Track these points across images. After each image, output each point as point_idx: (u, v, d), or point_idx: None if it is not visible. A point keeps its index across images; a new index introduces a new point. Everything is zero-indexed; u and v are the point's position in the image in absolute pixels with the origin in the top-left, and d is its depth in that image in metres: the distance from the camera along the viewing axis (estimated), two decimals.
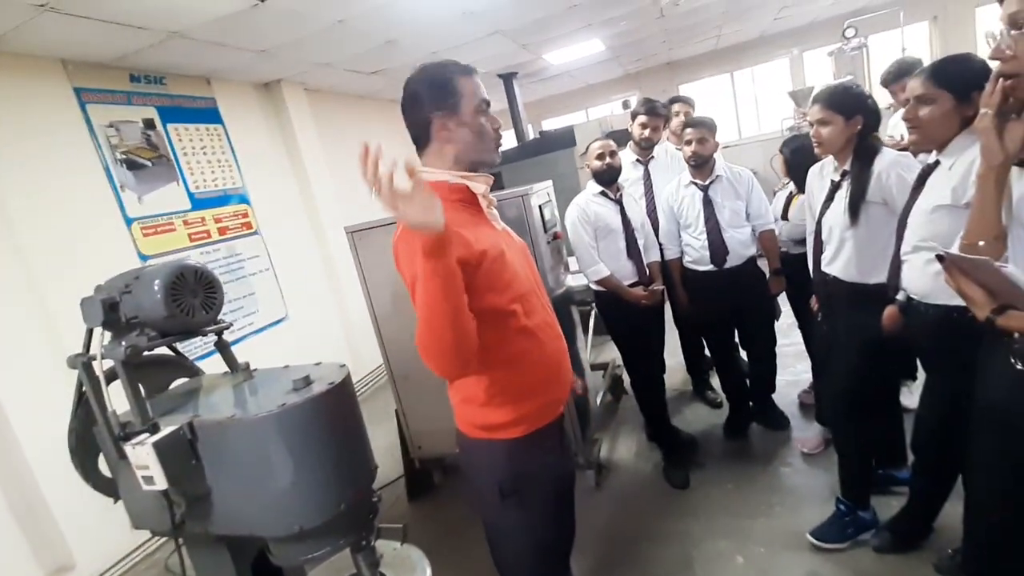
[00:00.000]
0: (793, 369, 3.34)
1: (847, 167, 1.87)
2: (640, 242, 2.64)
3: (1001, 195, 1.06)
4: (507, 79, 5.80)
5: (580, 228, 2.57)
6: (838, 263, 1.93)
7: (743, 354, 3.01)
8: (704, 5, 4.96)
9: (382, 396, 4.39)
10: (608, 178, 2.58)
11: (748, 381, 2.90)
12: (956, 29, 6.92)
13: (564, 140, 4.82)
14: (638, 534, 2.32)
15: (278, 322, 4.02)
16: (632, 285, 2.59)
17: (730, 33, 6.81)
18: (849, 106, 1.82)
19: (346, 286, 4.47)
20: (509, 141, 7.61)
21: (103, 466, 1.61)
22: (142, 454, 1.33)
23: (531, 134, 6.09)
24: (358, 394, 4.89)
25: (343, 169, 4.88)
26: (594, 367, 3.55)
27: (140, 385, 1.57)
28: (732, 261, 2.62)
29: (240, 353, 3.75)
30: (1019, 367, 1.06)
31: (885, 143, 1.92)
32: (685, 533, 2.26)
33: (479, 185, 1.24)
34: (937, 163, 1.51)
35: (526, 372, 1.24)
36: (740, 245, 2.61)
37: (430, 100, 1.20)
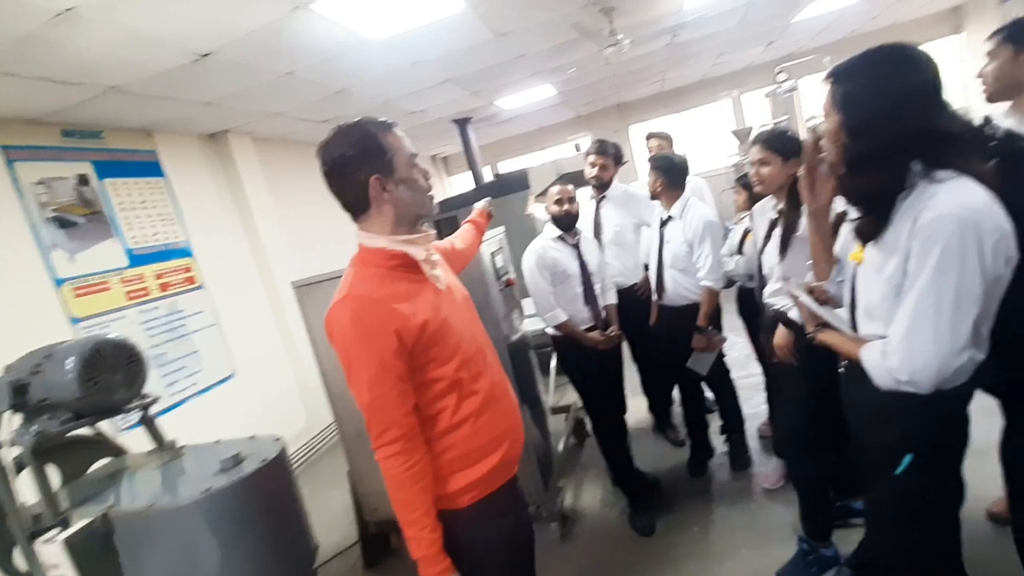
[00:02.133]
0: (751, 401, 3.37)
1: (783, 206, 1.95)
2: (597, 286, 2.62)
3: (821, 232, 1.34)
4: (461, 124, 5.90)
5: (537, 274, 2.55)
6: (776, 295, 2.01)
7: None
8: (647, 53, 5.21)
9: (338, 452, 4.19)
10: (566, 224, 2.55)
11: (720, 416, 2.93)
12: None
13: (518, 183, 4.89)
14: None
15: (224, 381, 3.82)
16: (589, 329, 2.58)
17: (674, 77, 7.17)
18: (788, 148, 1.91)
19: (299, 340, 4.30)
20: (466, 184, 7.70)
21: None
22: (52, 553, 1.20)
23: (488, 176, 6.18)
24: (314, 452, 4.62)
25: (294, 218, 4.79)
26: (555, 411, 3.50)
27: (57, 469, 1.44)
28: (670, 300, 2.68)
29: (182, 417, 3.54)
30: (840, 370, 1.35)
31: None
32: None
33: (419, 250, 1.19)
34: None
35: (473, 437, 1.20)
36: (677, 286, 2.65)
37: (363, 162, 1.14)
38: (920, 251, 0.99)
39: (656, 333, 2.83)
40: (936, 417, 1.12)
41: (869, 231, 1.12)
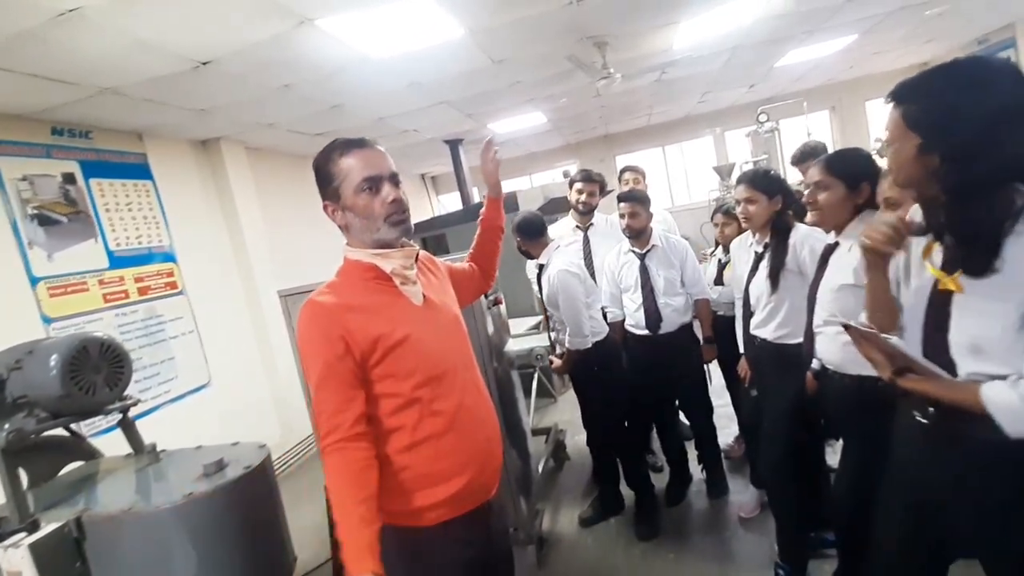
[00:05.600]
0: (728, 430, 3.42)
1: (768, 240, 2.03)
2: (554, 319, 2.71)
3: (881, 278, 1.17)
4: (453, 145, 5.99)
5: None
6: (764, 326, 2.07)
7: (684, 419, 3.06)
8: (636, 87, 5.39)
9: (313, 467, 4.10)
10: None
11: (696, 445, 2.94)
12: (850, 118, 7.90)
13: (507, 205, 4.93)
14: None
15: (199, 389, 3.73)
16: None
17: (660, 112, 7.42)
18: (771, 187, 2.00)
19: (277, 351, 4.24)
20: (454, 204, 7.76)
21: None
22: (16, 558, 1.15)
23: (476, 197, 6.25)
24: (287, 466, 4.51)
25: (281, 229, 4.77)
26: (536, 432, 3.49)
27: (24, 472, 1.40)
28: (666, 328, 2.70)
29: (155, 423, 3.44)
30: (920, 419, 1.13)
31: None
32: None
33: (387, 263, 1.19)
34: (837, 244, 1.66)
35: (435, 459, 1.17)
36: (675, 313, 2.70)
37: (320, 188, 1.19)
38: None
39: (660, 363, 2.75)
40: None
41: (979, 263, 0.97)
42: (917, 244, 1.15)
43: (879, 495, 1.34)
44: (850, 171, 1.60)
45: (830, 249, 1.68)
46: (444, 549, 1.19)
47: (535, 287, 2.86)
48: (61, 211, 3.10)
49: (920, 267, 1.11)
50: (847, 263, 1.59)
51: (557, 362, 2.71)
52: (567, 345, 2.58)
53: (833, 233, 1.69)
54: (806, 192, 1.70)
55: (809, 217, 1.72)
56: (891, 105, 1.02)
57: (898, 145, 1.01)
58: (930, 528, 1.17)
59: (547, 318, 2.81)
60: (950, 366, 1.03)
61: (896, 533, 1.26)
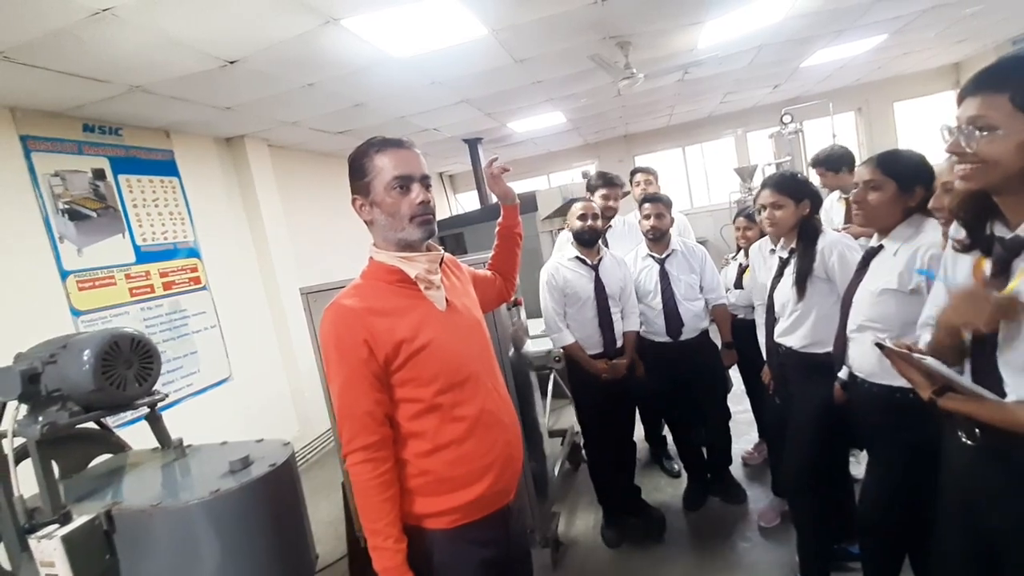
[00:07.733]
0: (747, 437, 3.37)
1: (793, 245, 1.98)
2: (616, 311, 2.56)
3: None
4: (472, 144, 5.99)
5: (547, 293, 2.53)
6: (790, 334, 2.01)
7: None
8: (658, 87, 5.34)
9: (330, 463, 4.14)
10: (588, 239, 2.54)
11: (705, 452, 2.90)
12: (878, 120, 7.71)
13: (526, 205, 4.88)
14: None
15: (221, 383, 3.79)
16: (598, 356, 2.52)
17: (681, 112, 7.33)
18: (799, 192, 1.96)
19: (297, 347, 4.30)
20: (472, 203, 7.76)
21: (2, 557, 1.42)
22: (49, 549, 1.18)
23: (494, 197, 6.25)
24: (305, 461, 4.57)
25: (302, 227, 4.82)
26: (552, 433, 3.47)
27: (55, 464, 1.42)
28: (687, 333, 2.66)
29: (177, 417, 3.51)
30: (964, 440, 1.09)
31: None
32: None
33: (411, 268, 1.19)
34: (881, 247, 1.61)
35: (455, 464, 1.17)
36: (695, 318, 2.67)
37: (351, 182, 1.21)
38: None
39: (679, 369, 2.71)
40: None
41: None
42: (963, 261, 1.11)
43: (935, 515, 1.28)
44: (904, 172, 1.54)
45: (873, 252, 1.63)
46: (462, 551, 1.19)
47: (588, 279, 2.54)
48: (91, 206, 3.17)
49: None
50: (892, 267, 1.54)
51: (623, 362, 2.52)
52: (633, 327, 2.61)
53: (877, 236, 1.63)
54: (852, 191, 1.65)
55: (855, 219, 1.67)
56: (978, 93, 0.95)
57: (1004, 131, 0.93)
58: (987, 552, 1.12)
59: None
60: (999, 385, 0.98)
61: (956, 558, 1.22)
